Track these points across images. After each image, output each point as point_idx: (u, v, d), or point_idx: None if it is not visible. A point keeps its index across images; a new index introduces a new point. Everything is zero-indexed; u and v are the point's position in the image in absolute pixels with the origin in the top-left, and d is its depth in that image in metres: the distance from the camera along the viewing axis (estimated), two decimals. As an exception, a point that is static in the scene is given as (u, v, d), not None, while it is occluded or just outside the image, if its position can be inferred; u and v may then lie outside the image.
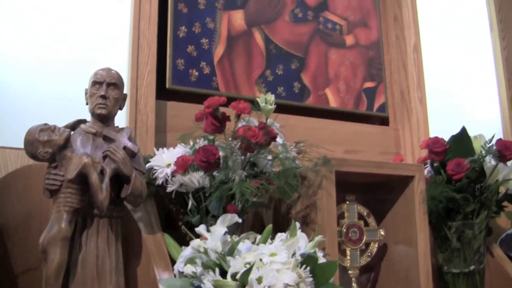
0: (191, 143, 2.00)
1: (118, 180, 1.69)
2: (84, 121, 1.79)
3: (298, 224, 1.72)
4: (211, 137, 1.95)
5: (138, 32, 2.29)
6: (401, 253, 2.26)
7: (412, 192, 2.23)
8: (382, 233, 2.26)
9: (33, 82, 2.09)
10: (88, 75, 1.80)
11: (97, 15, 2.26)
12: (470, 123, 2.63)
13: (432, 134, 2.85)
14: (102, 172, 1.64)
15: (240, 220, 1.73)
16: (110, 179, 1.63)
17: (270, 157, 1.96)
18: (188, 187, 1.87)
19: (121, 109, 1.84)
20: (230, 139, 1.94)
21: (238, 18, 2.66)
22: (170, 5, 2.45)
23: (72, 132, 1.70)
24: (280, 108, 2.09)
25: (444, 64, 3.33)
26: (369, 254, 2.23)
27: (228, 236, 1.64)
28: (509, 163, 2.38)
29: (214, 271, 1.54)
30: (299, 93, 2.76)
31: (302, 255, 1.63)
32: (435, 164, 2.43)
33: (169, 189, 1.88)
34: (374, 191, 2.34)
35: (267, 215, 2.21)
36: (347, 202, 2.22)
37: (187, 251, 1.65)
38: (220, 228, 1.64)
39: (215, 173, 1.87)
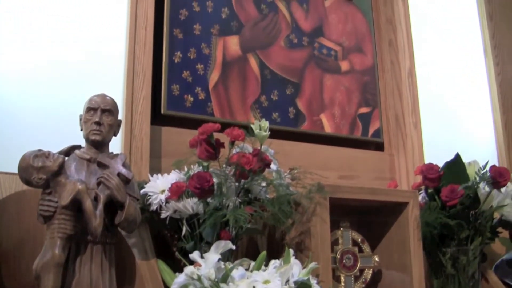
0: (186, 169, 2.01)
1: (112, 206, 1.69)
2: (78, 147, 1.79)
3: (292, 251, 1.72)
4: (205, 164, 1.95)
5: (134, 58, 2.29)
6: (395, 280, 2.26)
7: (406, 218, 2.23)
8: (377, 259, 2.26)
9: (28, 106, 2.08)
10: (83, 101, 1.81)
11: (92, 41, 2.26)
12: (464, 148, 2.64)
13: (427, 159, 2.86)
14: (96, 199, 1.64)
15: (234, 247, 1.72)
16: (104, 205, 1.63)
17: (264, 184, 1.96)
18: (182, 214, 1.87)
19: (115, 135, 1.84)
20: (224, 165, 1.94)
21: (233, 43, 2.67)
22: (166, 31, 2.46)
23: (66, 158, 1.70)
24: (275, 134, 2.10)
25: (438, 89, 3.35)
26: (363, 280, 2.23)
27: (222, 262, 1.64)
28: (503, 189, 2.39)
29: (207, 298, 1.54)
30: (294, 118, 2.76)
31: (295, 282, 1.63)
32: (430, 190, 2.43)
33: (163, 215, 1.88)
34: (369, 216, 2.34)
35: (261, 240, 2.21)
36: (341, 229, 2.22)
37: (180, 278, 1.64)
38: (213, 255, 1.63)
39: (209, 199, 1.87)
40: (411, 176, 2.95)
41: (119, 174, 1.69)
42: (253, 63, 2.71)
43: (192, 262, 1.66)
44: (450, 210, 2.33)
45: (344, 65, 3.04)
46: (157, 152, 2.31)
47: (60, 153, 1.71)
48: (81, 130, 1.80)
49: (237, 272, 1.63)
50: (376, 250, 2.32)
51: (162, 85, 2.40)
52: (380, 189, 2.37)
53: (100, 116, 1.76)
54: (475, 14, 3.70)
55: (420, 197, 2.39)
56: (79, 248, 1.66)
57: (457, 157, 2.46)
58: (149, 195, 1.91)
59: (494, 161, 3.31)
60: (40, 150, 1.65)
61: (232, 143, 1.96)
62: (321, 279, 1.89)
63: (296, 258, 1.72)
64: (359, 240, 2.26)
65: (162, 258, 1.83)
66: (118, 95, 2.10)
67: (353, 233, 2.24)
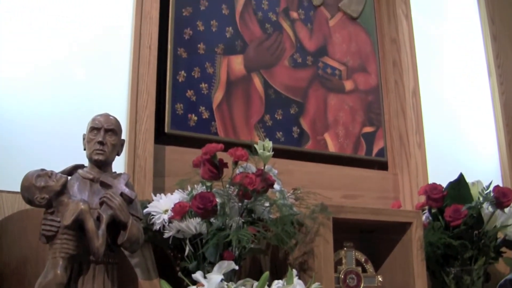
0: (189, 188, 2.01)
1: (115, 226, 1.68)
2: (81, 166, 1.78)
3: (295, 271, 1.72)
4: (208, 184, 1.95)
5: (137, 77, 2.30)
6: (399, 300, 2.25)
7: (410, 238, 2.23)
8: (380, 279, 2.25)
9: (31, 125, 2.09)
10: (87, 120, 1.81)
11: (97, 60, 2.27)
12: (468, 168, 2.64)
13: (431, 179, 2.86)
14: (98, 219, 1.63)
15: (236, 267, 1.72)
16: (106, 225, 1.63)
17: (267, 204, 1.96)
18: (185, 233, 1.87)
19: (118, 155, 1.83)
20: (227, 185, 1.94)
21: (237, 63, 2.68)
22: (170, 50, 2.47)
23: (69, 178, 1.70)
24: (279, 153, 2.09)
25: (442, 109, 3.35)
26: (367, 300, 2.23)
27: (225, 283, 1.63)
28: (506, 209, 2.38)
29: (210, 319, 1.54)
30: (298, 138, 2.77)
31: (298, 303, 1.62)
32: (433, 210, 2.43)
33: (166, 235, 1.88)
34: (372, 235, 2.34)
35: (264, 260, 2.21)
36: (345, 249, 2.21)
37: (183, 298, 1.64)
38: (216, 275, 1.63)
39: (212, 219, 1.87)
40: (415, 196, 2.95)
41: (122, 194, 1.69)
42: (257, 82, 2.71)
43: (195, 282, 1.65)
44: (454, 230, 2.33)
45: (348, 85, 3.04)
46: (161, 171, 2.32)
47: (63, 172, 1.71)
48: (84, 149, 1.79)
49: (240, 292, 1.63)
50: (379, 270, 2.31)
51: (166, 104, 2.41)
52: (383, 209, 2.36)
53: (104, 135, 1.76)
54: (479, 34, 3.71)
55: (423, 217, 2.39)
56: (82, 268, 1.65)
57: (461, 177, 2.46)
58: (152, 215, 1.92)
59: (498, 181, 3.30)
60: (43, 169, 1.65)
61: (236, 163, 1.96)
62: (324, 300, 1.89)
63: (299, 278, 1.72)
64: (363, 260, 2.25)
65: (165, 278, 1.83)
66: (122, 114, 2.11)
67: (356, 253, 2.24)
